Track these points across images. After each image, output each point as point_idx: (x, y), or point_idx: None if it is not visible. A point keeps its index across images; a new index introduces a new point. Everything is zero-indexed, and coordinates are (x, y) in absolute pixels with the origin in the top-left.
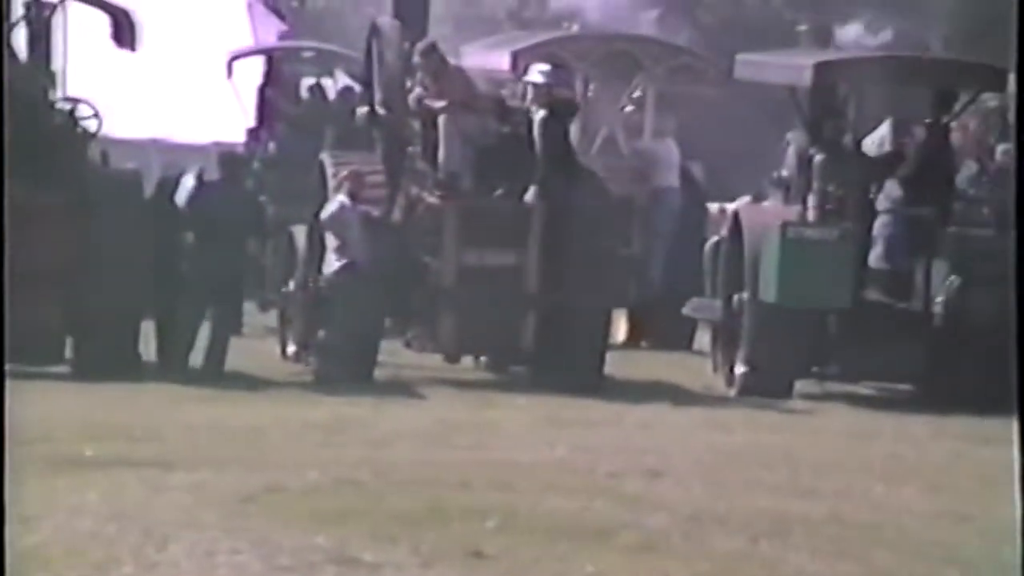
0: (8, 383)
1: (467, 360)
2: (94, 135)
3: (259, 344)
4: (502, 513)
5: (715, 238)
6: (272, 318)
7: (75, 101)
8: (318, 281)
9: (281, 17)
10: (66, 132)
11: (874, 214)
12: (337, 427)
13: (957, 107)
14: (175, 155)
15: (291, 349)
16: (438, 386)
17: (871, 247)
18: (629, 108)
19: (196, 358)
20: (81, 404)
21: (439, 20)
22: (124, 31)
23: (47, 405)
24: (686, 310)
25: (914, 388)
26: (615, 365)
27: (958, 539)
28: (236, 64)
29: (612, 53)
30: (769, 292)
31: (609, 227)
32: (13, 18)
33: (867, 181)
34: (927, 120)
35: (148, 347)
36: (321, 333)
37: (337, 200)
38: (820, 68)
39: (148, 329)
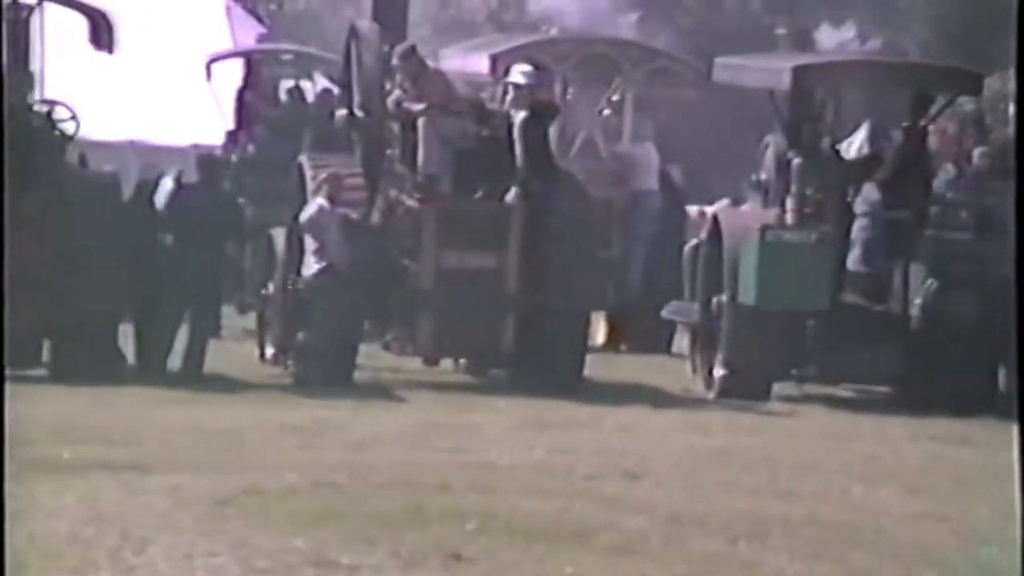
0: None
1: (446, 362)
2: (72, 137)
3: (238, 347)
4: (481, 515)
5: (694, 241)
6: (251, 320)
7: (53, 103)
8: (297, 284)
9: (260, 20)
10: (44, 134)
11: (852, 217)
12: (316, 430)
13: (934, 111)
14: (153, 157)
15: (270, 352)
16: (417, 389)
17: (849, 250)
18: (608, 111)
19: (175, 361)
20: (59, 407)
21: (418, 23)
22: (102, 33)
23: (24, 408)
24: (665, 313)
25: (892, 390)
26: (594, 368)
27: (936, 540)
28: (215, 66)
29: (591, 56)
30: (748, 295)
31: (588, 230)
32: None
33: (845, 184)
34: (905, 124)
35: (126, 350)
36: (300, 336)
37: (316, 203)
38: (798, 72)
39: (126, 332)
